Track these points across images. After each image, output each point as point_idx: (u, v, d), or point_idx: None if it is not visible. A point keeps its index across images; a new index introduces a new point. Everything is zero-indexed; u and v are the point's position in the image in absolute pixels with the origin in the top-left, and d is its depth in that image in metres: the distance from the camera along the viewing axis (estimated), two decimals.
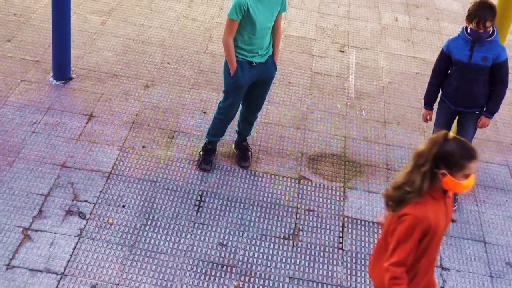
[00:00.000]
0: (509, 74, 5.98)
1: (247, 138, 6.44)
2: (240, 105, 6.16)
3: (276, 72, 6.06)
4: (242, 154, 6.39)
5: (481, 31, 5.61)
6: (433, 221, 3.86)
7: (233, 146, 6.52)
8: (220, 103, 6.03)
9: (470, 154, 3.79)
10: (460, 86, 5.86)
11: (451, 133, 3.91)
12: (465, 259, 5.77)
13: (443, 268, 5.64)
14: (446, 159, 3.77)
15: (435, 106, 6.19)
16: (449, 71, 5.99)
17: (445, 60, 5.92)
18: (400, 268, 3.88)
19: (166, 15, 8.69)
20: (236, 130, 6.42)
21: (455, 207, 6.26)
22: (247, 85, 5.89)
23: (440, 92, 6.11)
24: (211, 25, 8.59)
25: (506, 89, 5.89)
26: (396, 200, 3.93)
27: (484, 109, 5.98)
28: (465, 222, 6.15)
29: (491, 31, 5.69)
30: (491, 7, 5.60)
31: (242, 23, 5.59)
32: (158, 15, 8.66)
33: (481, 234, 6.04)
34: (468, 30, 5.70)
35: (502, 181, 6.72)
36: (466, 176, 3.82)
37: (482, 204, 6.38)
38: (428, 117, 6.21)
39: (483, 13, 5.55)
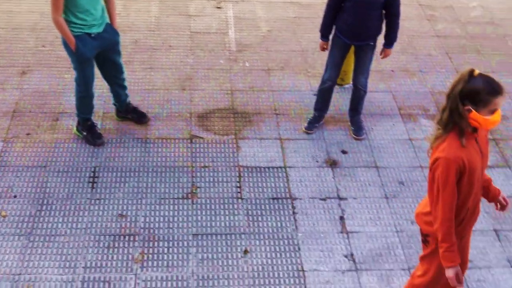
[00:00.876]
0: None
1: (129, 100, 6.41)
2: (104, 80, 6.13)
3: (120, 37, 5.98)
4: (138, 114, 6.39)
5: None
6: (466, 159, 3.85)
7: (116, 117, 6.45)
8: (75, 80, 5.95)
9: (495, 90, 3.74)
10: (355, 22, 5.97)
11: (477, 70, 3.83)
12: (360, 186, 5.94)
13: (340, 199, 5.79)
14: (471, 95, 3.75)
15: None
16: (343, 7, 6.06)
17: None
18: (450, 213, 3.91)
19: None
20: (114, 104, 6.37)
21: (362, 136, 6.44)
22: (93, 56, 5.82)
23: (334, 27, 6.20)
24: None
25: (399, 20, 6.10)
26: (434, 137, 3.96)
27: (383, 41, 6.23)
28: (356, 151, 6.32)
29: None
30: None
31: None
32: (26, 0, 8.41)
33: (373, 160, 6.23)
34: None
35: (387, 107, 6.92)
36: (492, 112, 3.78)
37: (371, 132, 6.56)
38: (324, 47, 6.31)
39: None
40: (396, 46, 7.85)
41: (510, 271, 5.29)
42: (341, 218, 5.63)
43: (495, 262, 5.36)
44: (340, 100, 6.93)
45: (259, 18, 8.35)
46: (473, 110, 3.77)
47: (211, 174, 5.98)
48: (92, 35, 5.69)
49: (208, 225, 5.49)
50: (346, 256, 5.30)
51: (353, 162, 6.19)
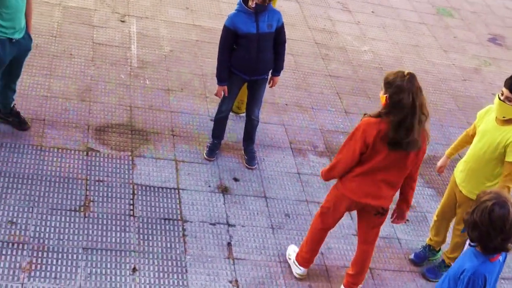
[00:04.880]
0: None
1: (14, 104, 6.38)
2: None
3: (32, 44, 6.08)
4: (20, 119, 6.34)
5: (266, 4, 6.03)
6: None
7: None
8: None
9: None
10: (253, 57, 6.21)
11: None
12: (248, 214, 6.20)
13: (229, 225, 6.03)
14: None
15: None
16: (236, 45, 6.28)
17: (231, 37, 6.21)
18: None
19: None
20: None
21: (254, 166, 6.71)
22: (9, 60, 5.83)
23: (230, 65, 6.38)
24: None
25: (285, 46, 6.46)
26: None
27: (272, 69, 6.51)
28: (247, 180, 6.58)
29: None
30: None
31: None
32: None
33: (262, 190, 6.50)
34: (253, 5, 6.03)
35: (279, 140, 7.24)
36: None
37: (262, 162, 6.85)
38: (224, 92, 6.42)
39: None
40: (291, 81, 8.26)
41: None
42: (229, 244, 5.85)
43: None
44: (236, 128, 7.19)
45: (162, 37, 8.49)
46: None
47: (105, 189, 6.05)
48: (13, 40, 5.68)
49: (99, 240, 5.56)
50: (230, 282, 5.53)
51: (243, 190, 6.45)
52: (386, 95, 4.83)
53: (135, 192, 6.10)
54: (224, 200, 6.28)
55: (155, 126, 6.95)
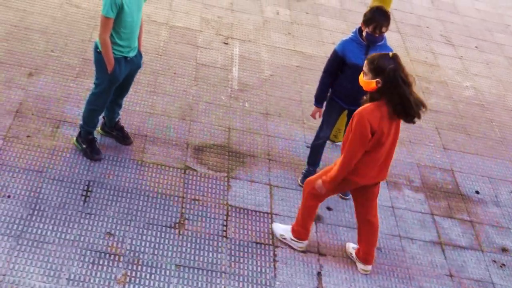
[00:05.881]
0: None
1: (119, 118, 6.60)
2: None
3: (142, 61, 6.32)
4: (123, 133, 6.54)
5: (377, 35, 5.98)
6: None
7: (101, 130, 6.58)
8: (93, 94, 6.09)
9: None
10: (354, 87, 6.20)
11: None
12: (340, 245, 6.15)
13: (320, 254, 6.00)
14: None
15: None
16: (341, 73, 6.29)
17: (338, 62, 6.22)
18: None
19: (48, 1, 8.58)
20: (103, 117, 6.50)
21: (348, 197, 6.67)
22: (123, 78, 6.05)
23: (331, 92, 6.45)
24: (96, 13, 8.55)
25: None
26: None
27: None
28: (340, 210, 6.54)
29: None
30: (387, 14, 6.00)
31: (116, 20, 5.69)
32: (39, 1, 8.53)
33: (355, 221, 6.42)
34: (364, 34, 6.03)
35: None
36: None
37: None
38: (318, 115, 6.54)
39: (380, 19, 5.92)
40: None
41: None
42: (319, 273, 5.83)
43: None
44: (332, 157, 7.17)
45: (263, 61, 8.60)
46: None
47: (200, 208, 6.14)
48: (128, 59, 5.90)
49: (192, 258, 5.64)
50: None
51: (336, 220, 6.41)
52: (376, 79, 5.12)
53: (229, 213, 6.17)
54: (316, 229, 6.26)
55: (252, 149, 7.02)
